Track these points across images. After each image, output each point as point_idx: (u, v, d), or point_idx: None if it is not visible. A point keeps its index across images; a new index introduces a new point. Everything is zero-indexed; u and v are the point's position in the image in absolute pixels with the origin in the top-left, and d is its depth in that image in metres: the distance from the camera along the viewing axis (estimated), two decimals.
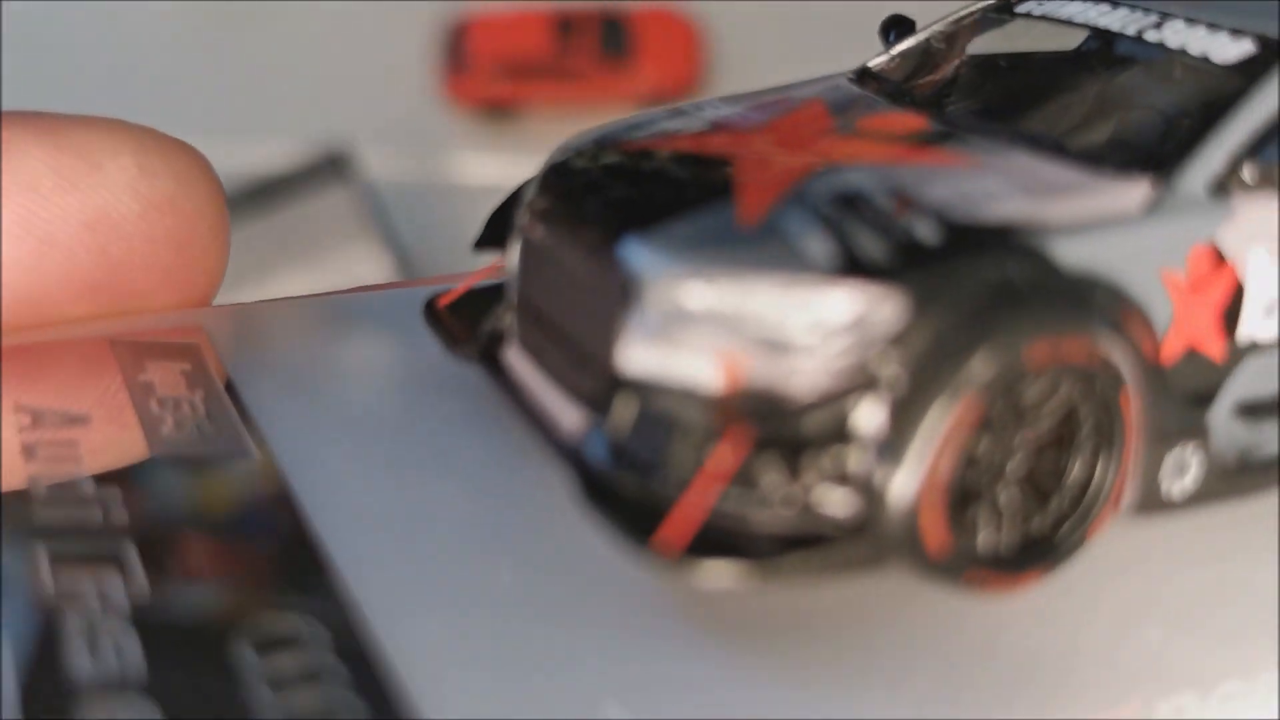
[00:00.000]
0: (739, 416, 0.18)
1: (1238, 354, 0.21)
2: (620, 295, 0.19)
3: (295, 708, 0.16)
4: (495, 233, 0.25)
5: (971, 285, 0.18)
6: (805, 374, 0.18)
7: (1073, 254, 0.19)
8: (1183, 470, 0.20)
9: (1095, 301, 0.19)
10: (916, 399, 0.18)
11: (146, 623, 0.18)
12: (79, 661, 0.17)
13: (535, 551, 0.20)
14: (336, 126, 0.97)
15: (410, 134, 1.01)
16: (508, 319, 0.24)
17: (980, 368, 0.18)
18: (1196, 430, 0.20)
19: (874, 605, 0.19)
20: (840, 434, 0.18)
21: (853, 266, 0.18)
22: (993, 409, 0.18)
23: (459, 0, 1.04)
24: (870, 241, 0.19)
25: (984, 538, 0.19)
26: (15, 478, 0.22)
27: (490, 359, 0.24)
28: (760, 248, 0.19)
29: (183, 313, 0.28)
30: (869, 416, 0.18)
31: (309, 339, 0.29)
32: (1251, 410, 0.21)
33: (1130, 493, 0.20)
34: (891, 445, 0.18)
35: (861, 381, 0.18)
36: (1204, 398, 0.20)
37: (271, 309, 0.31)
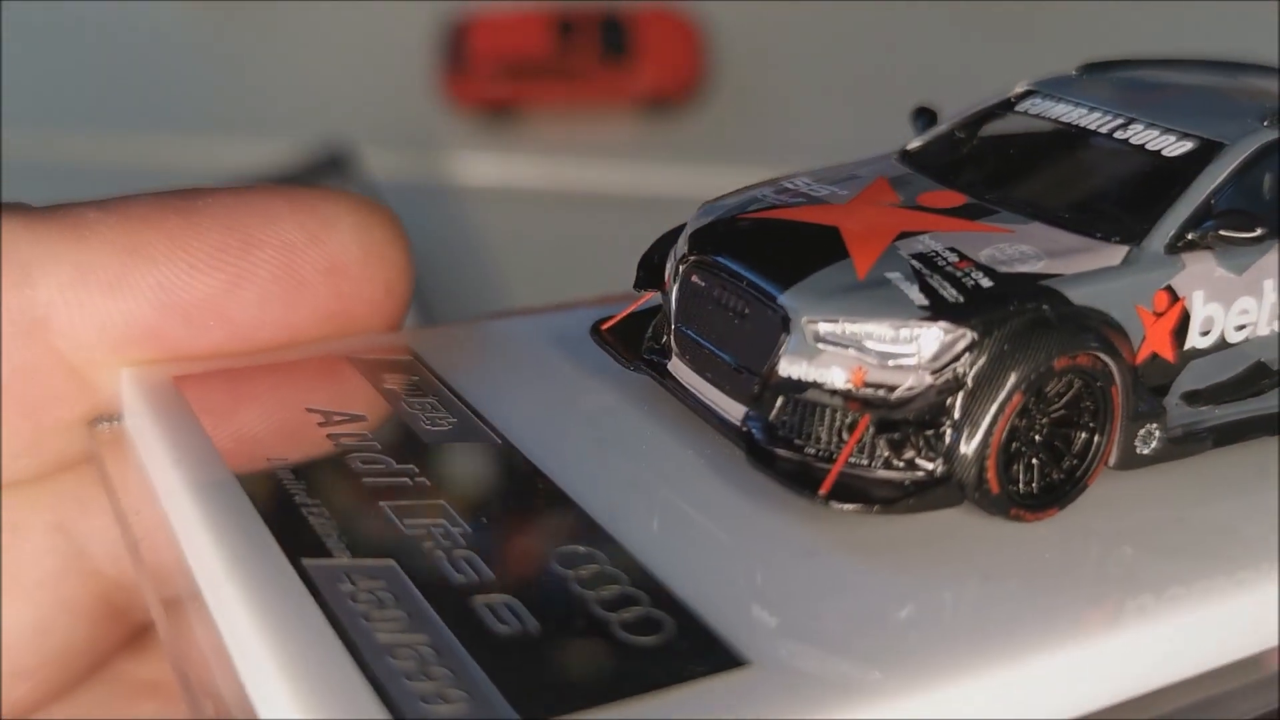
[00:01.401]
0: (862, 407, 0.31)
1: (1184, 359, 0.34)
2: (779, 327, 0.32)
3: (623, 622, 0.28)
4: (648, 275, 0.38)
5: (1018, 318, 0.31)
6: (908, 379, 0.31)
7: (1080, 295, 0.32)
8: (1149, 439, 0.34)
9: (1095, 326, 0.32)
10: (982, 394, 0.31)
11: (480, 549, 0.30)
12: (450, 573, 0.29)
13: (722, 493, 0.33)
14: (336, 126, 1.07)
15: (410, 134, 1.12)
16: (665, 339, 0.36)
17: (1023, 374, 0.31)
18: (1157, 412, 0.34)
19: (952, 531, 0.32)
20: (932, 418, 0.31)
21: (939, 308, 0.31)
22: (1029, 400, 0.31)
23: (459, 0, 1.14)
24: (946, 289, 0.32)
25: (1022, 485, 0.32)
26: (326, 457, 0.34)
27: (654, 369, 0.36)
28: (873, 293, 0.32)
29: (390, 334, 0.40)
30: (951, 407, 0.31)
31: (494, 353, 0.41)
32: (1192, 397, 0.35)
33: (1115, 454, 0.33)
34: (967, 423, 0.31)
35: (947, 384, 0.31)
36: (1162, 388, 0.34)
37: (453, 330, 0.43)
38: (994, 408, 0.31)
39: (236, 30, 1.14)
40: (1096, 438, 0.33)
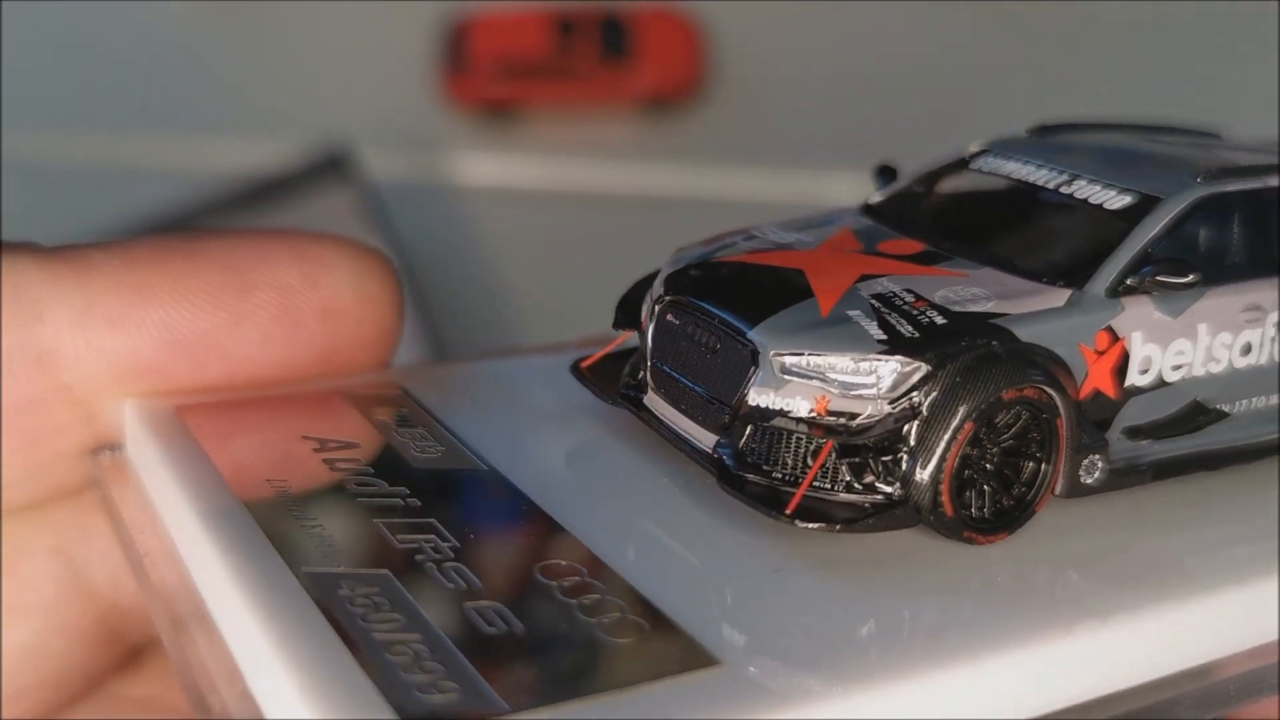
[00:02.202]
0: (825, 434, 0.35)
1: (1125, 396, 0.38)
2: (748, 360, 0.35)
3: (602, 625, 0.31)
4: (625, 316, 0.41)
5: (970, 352, 0.35)
6: (868, 408, 0.34)
7: (1027, 333, 0.35)
8: (1093, 470, 0.37)
9: (1041, 362, 0.35)
10: (936, 423, 0.34)
11: (468, 562, 0.34)
12: (441, 582, 0.33)
13: (695, 516, 0.36)
14: (336, 126, 1.10)
15: (410, 134, 1.15)
16: (641, 375, 0.40)
17: (974, 404, 0.34)
18: (1101, 444, 0.37)
19: (910, 551, 0.35)
20: (890, 445, 0.34)
21: (896, 343, 0.34)
22: (980, 429, 0.35)
23: (459, 0, 1.17)
24: (904, 326, 0.35)
25: (974, 510, 0.35)
26: (322, 480, 0.37)
27: (631, 402, 0.40)
28: (835, 329, 0.35)
29: (380, 372, 0.44)
30: (908, 434, 0.34)
31: (479, 389, 0.45)
32: (1133, 432, 0.38)
33: (1061, 483, 0.37)
34: (922, 450, 0.34)
35: (904, 413, 0.34)
36: (1104, 423, 0.37)
37: (440, 369, 0.47)
38: (947, 435, 0.34)
39: (236, 30, 1.16)
40: (1044, 467, 0.36)
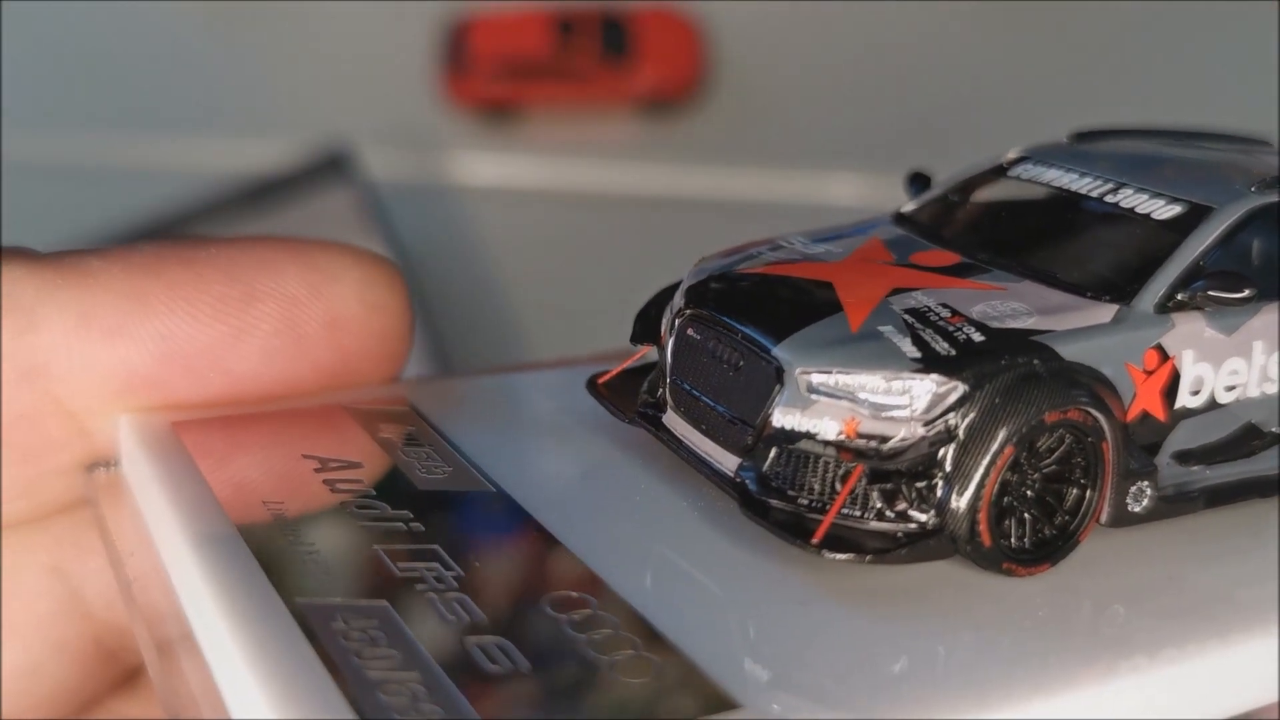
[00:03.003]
0: (855, 457, 0.32)
1: (1175, 418, 0.35)
2: (773, 378, 0.32)
3: (614, 663, 0.29)
4: (644, 329, 0.38)
5: (1009, 372, 0.32)
6: (900, 430, 0.31)
7: (1071, 351, 0.32)
8: (1141, 497, 0.34)
9: (1086, 382, 0.32)
10: (974, 447, 0.31)
11: (472, 592, 0.31)
12: (443, 614, 0.30)
13: (716, 544, 0.33)
14: (336, 126, 1.07)
15: (410, 134, 1.13)
16: (660, 392, 0.37)
17: (1014, 427, 0.31)
18: (1149, 470, 0.34)
19: (946, 584, 0.32)
20: (924, 470, 0.31)
21: (931, 361, 0.32)
22: (1020, 454, 0.32)
23: (459, 0, 1.14)
24: (939, 343, 0.32)
25: (1014, 539, 0.32)
26: (322, 503, 0.34)
27: (649, 421, 0.37)
28: (866, 346, 0.32)
29: (389, 386, 0.41)
30: (943, 459, 0.31)
31: (490, 406, 0.42)
32: (1183, 456, 0.35)
33: (1107, 511, 0.34)
34: (959, 475, 0.31)
35: (939, 436, 0.31)
36: (1153, 447, 0.34)
37: (450, 383, 0.44)
38: (986, 460, 0.31)
39: (237, 30, 1.15)
40: (1089, 494, 0.33)
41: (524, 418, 0.41)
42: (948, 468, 0.31)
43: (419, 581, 0.31)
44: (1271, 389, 0.36)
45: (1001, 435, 0.31)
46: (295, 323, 0.38)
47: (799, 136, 1.13)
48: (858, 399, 0.32)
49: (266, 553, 0.31)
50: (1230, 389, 0.35)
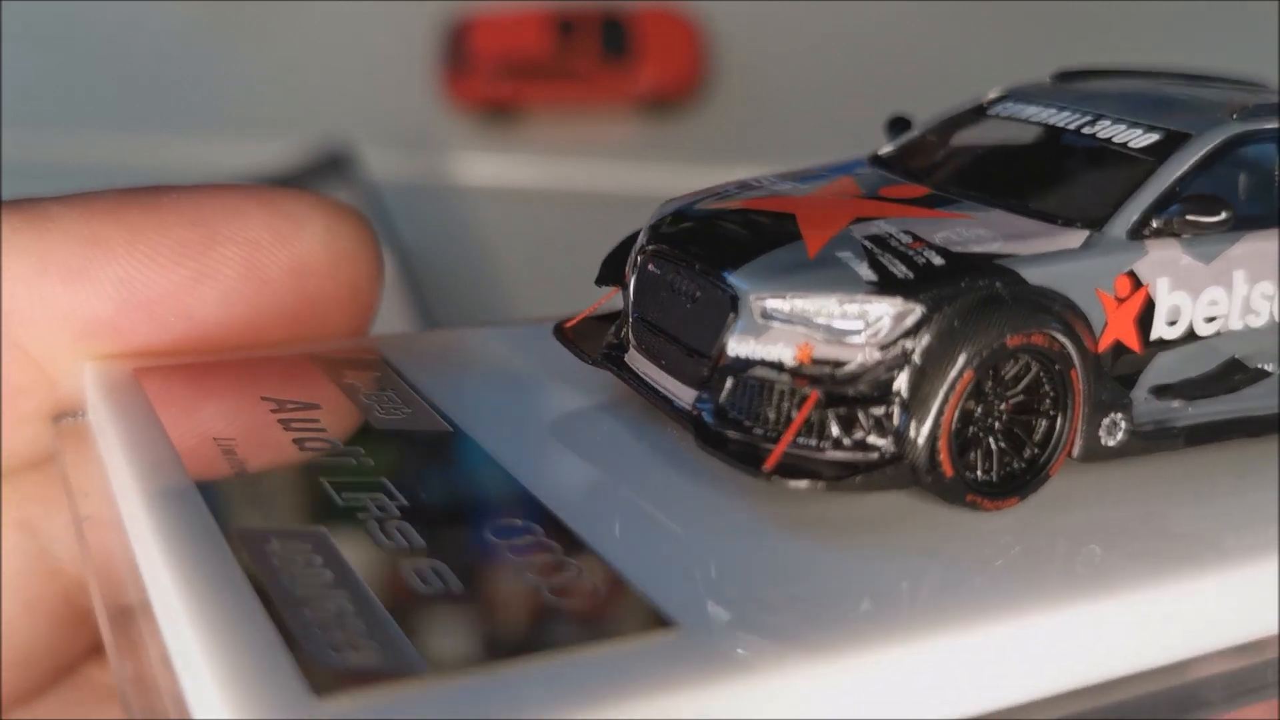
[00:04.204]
0: (810, 384, 0.30)
1: (1151, 350, 0.33)
2: (728, 307, 0.31)
3: (552, 586, 0.28)
4: (610, 272, 0.37)
5: (969, 294, 0.30)
6: (856, 355, 0.30)
7: (1036, 275, 0.31)
8: (1114, 430, 0.33)
9: (1052, 307, 0.31)
10: (932, 371, 0.30)
11: (415, 521, 0.29)
12: (381, 539, 0.29)
13: (670, 478, 0.32)
14: (336, 126, 1.07)
15: (410, 134, 1.12)
16: (624, 332, 0.35)
17: (974, 351, 0.30)
18: (1122, 402, 0.33)
19: (911, 518, 0.31)
20: (882, 396, 0.30)
21: (887, 284, 0.30)
22: (983, 379, 0.30)
23: (459, 0, 1.14)
24: (897, 266, 0.31)
25: (979, 472, 0.31)
26: (273, 439, 0.33)
27: (613, 362, 0.36)
28: (821, 271, 0.31)
29: (359, 338, 0.40)
30: (900, 384, 0.30)
31: (461, 357, 0.41)
32: (1161, 391, 0.33)
33: (1078, 444, 0.32)
34: (916, 401, 0.30)
35: (895, 360, 0.30)
36: (1128, 379, 0.33)
37: (424, 336, 0.43)
38: (944, 385, 0.30)
39: (236, 30, 1.14)
40: (1058, 424, 0.32)
41: (493, 367, 0.40)
42: (905, 393, 0.30)
43: (361, 510, 0.30)
44: (1256, 321, 0.34)
45: (961, 359, 0.30)
46: (258, 267, 0.37)
47: (799, 136, 1.11)
48: (812, 323, 0.30)
49: (208, 485, 0.31)
50: (1210, 320, 0.34)
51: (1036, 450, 0.32)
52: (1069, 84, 0.41)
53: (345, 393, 0.36)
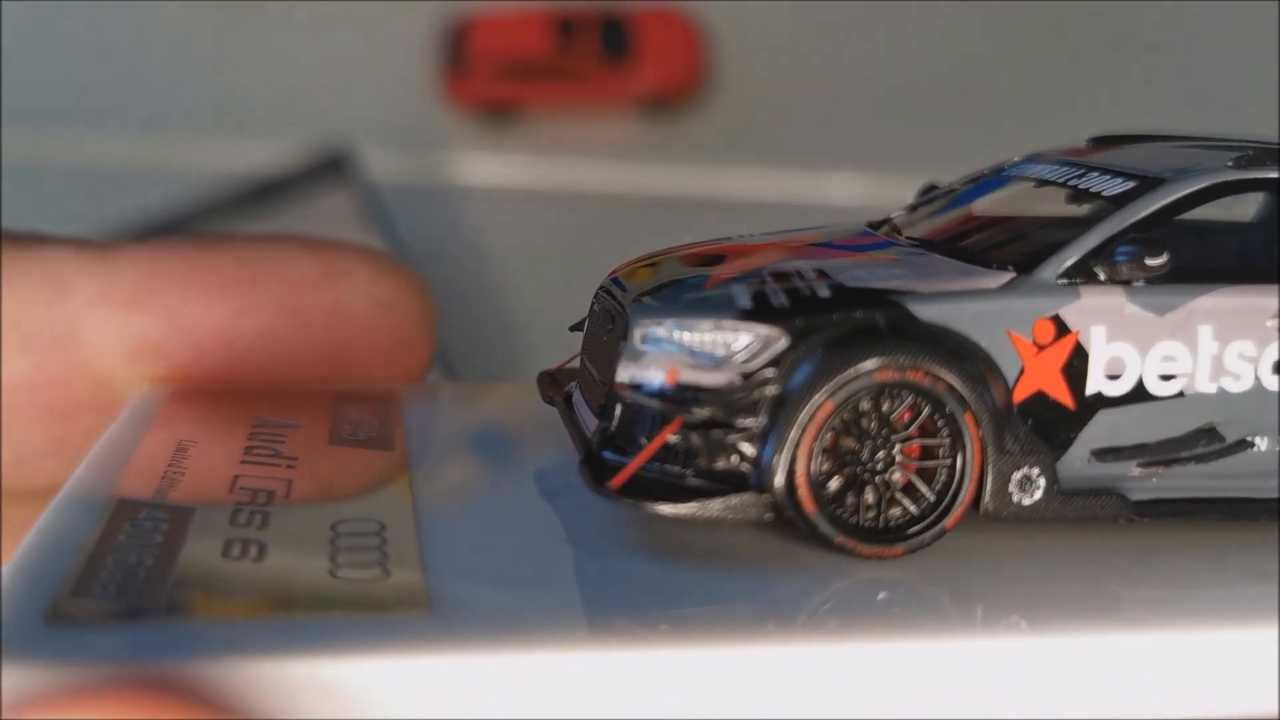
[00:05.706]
0: (674, 408, 0.29)
1: (1087, 405, 0.30)
2: (622, 334, 0.30)
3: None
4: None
5: (842, 325, 0.29)
6: (718, 380, 0.29)
7: (929, 312, 0.30)
8: (1029, 487, 0.30)
9: (942, 344, 0.29)
10: (793, 401, 0.29)
11: (282, 508, 0.30)
12: (237, 520, 0.29)
13: (565, 501, 0.32)
14: (336, 126, 1.06)
15: (410, 134, 1.11)
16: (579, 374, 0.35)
17: (836, 382, 0.29)
18: (1038, 456, 0.30)
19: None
20: (743, 423, 0.29)
21: (759, 312, 0.29)
22: (848, 412, 0.29)
23: (459, 0, 1.13)
24: (779, 297, 0.29)
25: (852, 513, 0.29)
26: (229, 445, 0.34)
27: (566, 400, 0.35)
28: (708, 302, 0.30)
29: (388, 384, 0.41)
30: (762, 412, 0.29)
31: (474, 402, 0.44)
32: (1106, 453, 0.31)
33: (987, 499, 0.30)
34: (773, 431, 0.29)
35: (758, 387, 0.29)
36: (1061, 436, 0.30)
37: (461, 388, 0.48)
38: (801, 416, 0.29)
39: (236, 30, 1.14)
40: (957, 473, 0.30)
41: (495, 414, 0.42)
42: (766, 422, 0.29)
43: (244, 497, 0.31)
44: (1234, 385, 0.31)
45: (821, 390, 0.29)
46: (297, 307, 0.40)
47: (799, 136, 1.10)
48: (681, 348, 0.30)
49: (125, 499, 0.31)
50: (1167, 378, 0.31)
51: (934, 499, 0.30)
52: (1099, 149, 0.38)
53: (332, 418, 0.37)
